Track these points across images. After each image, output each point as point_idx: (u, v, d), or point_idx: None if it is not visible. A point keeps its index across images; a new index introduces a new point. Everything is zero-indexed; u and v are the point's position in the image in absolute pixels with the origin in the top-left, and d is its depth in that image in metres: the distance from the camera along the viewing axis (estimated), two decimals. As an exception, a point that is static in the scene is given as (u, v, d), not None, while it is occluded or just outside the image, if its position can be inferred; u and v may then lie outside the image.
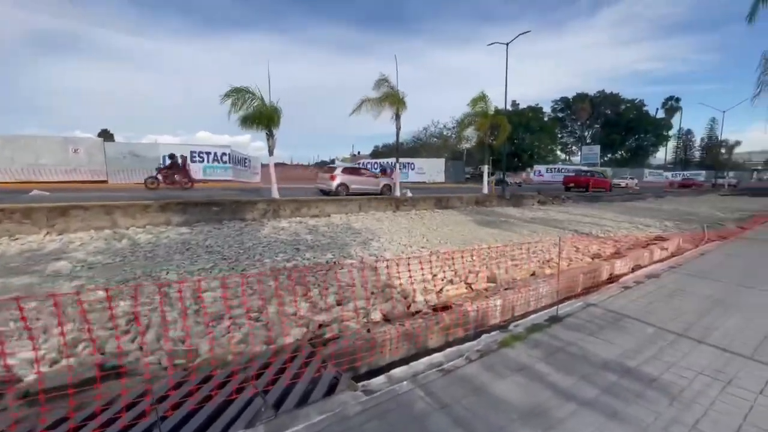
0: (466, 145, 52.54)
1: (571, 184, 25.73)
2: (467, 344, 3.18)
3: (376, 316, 4.25)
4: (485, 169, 17.82)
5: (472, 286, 5.62)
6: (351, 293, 4.69)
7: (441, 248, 7.67)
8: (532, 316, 3.90)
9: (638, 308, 3.86)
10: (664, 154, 70.17)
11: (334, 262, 6.30)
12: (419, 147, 46.95)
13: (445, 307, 4.40)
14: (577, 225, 11.75)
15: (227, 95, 10.44)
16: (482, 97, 16.54)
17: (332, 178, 14.53)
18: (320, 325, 4.00)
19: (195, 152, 18.71)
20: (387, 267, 6.15)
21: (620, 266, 6.28)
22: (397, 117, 13.60)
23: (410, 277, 5.64)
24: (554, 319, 3.59)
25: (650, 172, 55.16)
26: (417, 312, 4.55)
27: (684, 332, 3.25)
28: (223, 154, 19.56)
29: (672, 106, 69.16)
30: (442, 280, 5.72)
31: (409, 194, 14.01)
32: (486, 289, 5.55)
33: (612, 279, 5.94)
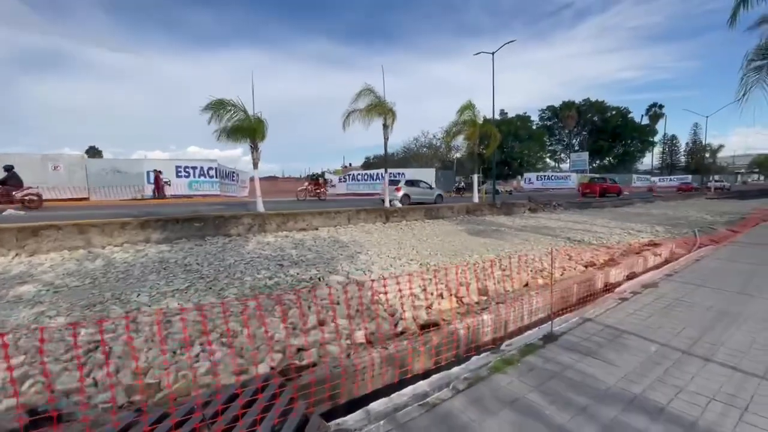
0: (457, 155, 52.89)
1: (588, 191, 28.56)
2: (456, 369, 2.91)
3: (359, 337, 3.96)
4: (475, 178, 17.70)
5: (463, 300, 5.37)
6: (332, 313, 4.39)
7: (431, 260, 7.41)
8: (526, 333, 3.65)
9: (638, 322, 3.63)
10: (650, 159, 71.35)
11: (319, 278, 6.01)
12: (409, 157, 46.99)
13: (434, 324, 4.14)
14: (569, 232, 11.60)
15: (209, 107, 10.15)
16: (469, 106, 16.50)
17: (398, 189, 16.56)
18: (298, 350, 3.70)
19: (180, 167, 18.31)
20: (374, 282, 5.87)
21: (615, 274, 6.08)
22: (386, 127, 13.43)
23: (399, 291, 5.37)
24: (549, 338, 3.34)
25: (638, 177, 55.88)
26: (403, 332, 4.27)
27: (689, 349, 3.02)
28: (210, 168, 19.20)
29: (656, 112, 70.50)
30: (432, 294, 5.45)
31: (398, 204, 13.80)
32: (478, 303, 5.31)
33: (607, 288, 5.74)
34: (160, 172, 17.58)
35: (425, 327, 4.30)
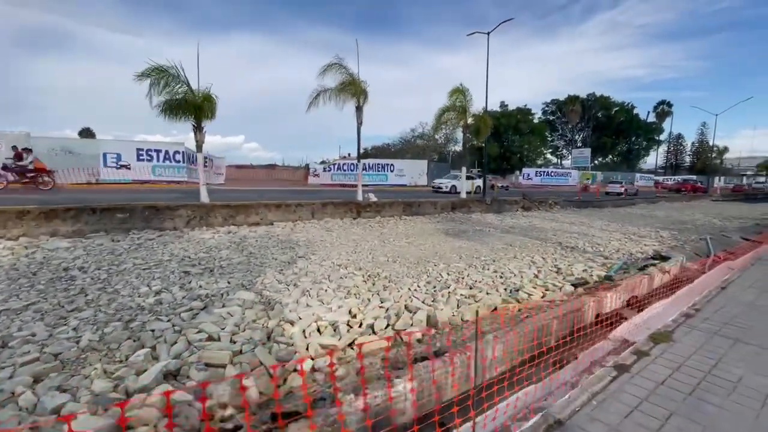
0: (455, 147, 51.18)
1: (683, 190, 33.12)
2: None
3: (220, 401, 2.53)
4: (463, 171, 16.18)
5: (402, 336, 3.93)
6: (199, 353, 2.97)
7: (384, 270, 5.99)
8: None
9: None
10: (655, 158, 69.48)
11: (222, 294, 4.58)
12: (406, 149, 45.32)
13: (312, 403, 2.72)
14: (563, 236, 10.16)
15: (144, 75, 8.62)
16: (460, 90, 14.93)
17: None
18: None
19: (142, 150, 16.78)
20: (295, 302, 4.46)
21: (611, 301, 4.64)
22: (359, 109, 11.89)
23: (317, 320, 3.96)
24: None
25: (641, 176, 54.18)
26: (290, 392, 2.84)
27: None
28: (176, 152, 17.64)
29: (663, 110, 68.38)
30: (360, 325, 4.03)
31: (373, 198, 12.35)
32: (420, 341, 3.87)
33: (600, 320, 4.31)
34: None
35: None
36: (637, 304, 4.93)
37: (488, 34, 16.10)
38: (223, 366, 3.04)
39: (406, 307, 4.54)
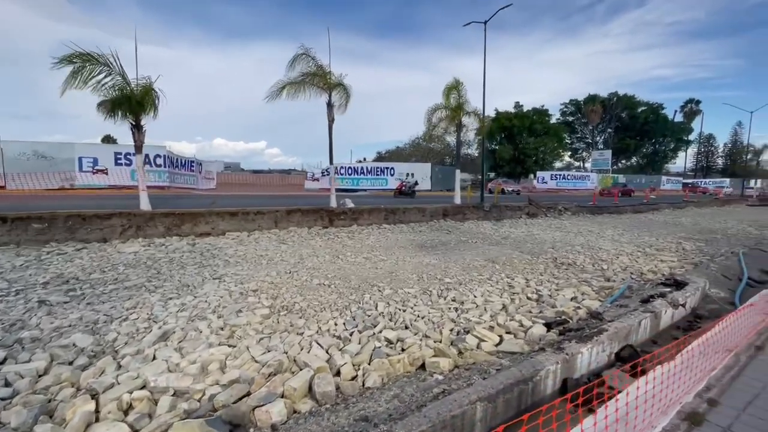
0: (468, 150, 49.41)
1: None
2: None
3: None
4: (457, 174, 14.68)
5: (258, 420, 2.62)
6: None
7: (309, 297, 4.71)
8: None
9: None
10: (684, 160, 65.48)
11: (53, 337, 3.41)
12: (415, 152, 43.91)
13: None
14: (562, 249, 8.61)
15: (64, 61, 7.45)
16: (456, 86, 13.50)
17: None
18: None
19: (120, 154, 16.10)
20: (137, 351, 3.25)
21: (589, 356, 3.20)
22: (330, 106, 10.66)
23: (140, 388, 2.72)
24: None
25: (668, 179, 50.90)
26: None
27: None
28: (157, 155, 16.86)
29: (692, 109, 64.44)
30: (203, 395, 2.75)
31: (350, 205, 11.10)
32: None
33: (566, 390, 2.91)
34: None
35: None
36: (632, 360, 3.46)
37: (485, 23, 14.64)
38: None
39: (294, 360, 3.25)
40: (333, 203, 10.90)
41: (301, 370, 3.09)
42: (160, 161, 16.93)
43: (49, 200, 12.20)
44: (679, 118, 62.64)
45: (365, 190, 23.22)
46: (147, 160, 16.68)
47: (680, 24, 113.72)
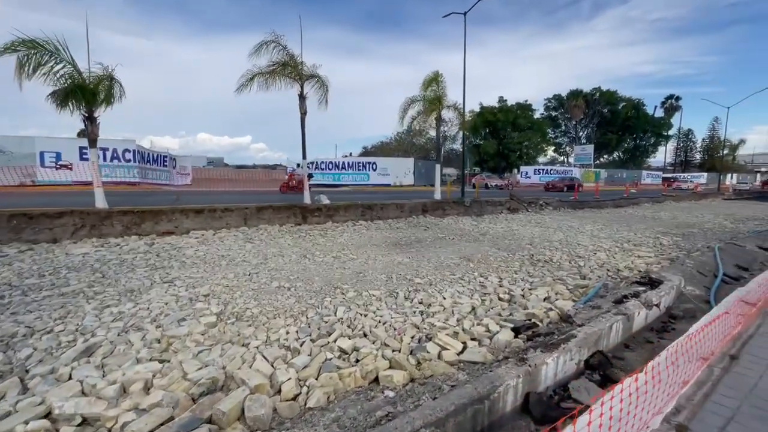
0: (453, 145, 49.26)
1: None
2: None
3: None
4: (437, 169, 14.42)
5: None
6: None
7: (264, 301, 4.37)
8: None
9: None
10: (663, 155, 66.76)
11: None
12: (398, 147, 43.55)
13: None
14: (540, 245, 8.43)
15: (8, 49, 6.80)
16: (435, 78, 13.19)
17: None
18: None
19: (86, 147, 15.29)
20: (51, 372, 2.86)
21: (555, 367, 2.95)
22: (302, 98, 10.22)
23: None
24: None
25: (648, 173, 51.82)
26: None
27: None
28: (126, 150, 16.10)
29: (672, 104, 65.67)
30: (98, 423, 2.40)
31: (325, 201, 10.72)
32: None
33: (528, 406, 2.65)
34: None
35: None
36: (602, 368, 3.23)
37: (465, 14, 14.33)
38: None
39: (233, 377, 2.91)
40: (307, 199, 10.50)
41: (238, 387, 2.76)
42: (129, 156, 16.16)
43: (5, 198, 11.48)
44: (659, 113, 63.81)
45: (347, 185, 22.73)
46: (115, 154, 15.98)
47: (663, 21, 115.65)
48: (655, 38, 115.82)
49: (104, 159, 15.58)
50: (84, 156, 15.19)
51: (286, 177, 19.39)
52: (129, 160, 16.21)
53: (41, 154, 14.51)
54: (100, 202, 7.71)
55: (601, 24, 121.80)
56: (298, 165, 21.95)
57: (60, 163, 14.84)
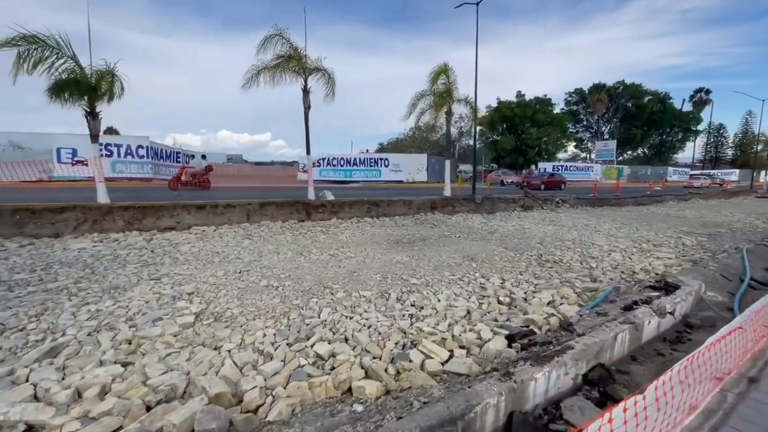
0: (469, 141, 48.43)
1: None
2: None
3: None
4: (447, 165, 14.03)
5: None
6: None
7: (247, 301, 4.20)
8: None
9: None
10: (692, 151, 63.76)
11: None
12: (412, 144, 43.04)
13: None
14: (551, 245, 8.01)
15: (8, 44, 6.81)
16: (444, 70, 12.79)
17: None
18: None
19: (101, 144, 15.52)
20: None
21: (546, 383, 2.64)
22: (305, 92, 10.04)
23: None
24: None
25: (675, 170, 49.65)
26: None
27: None
28: (139, 146, 16.35)
29: (701, 98, 62.60)
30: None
31: (330, 197, 10.54)
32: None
33: (511, 428, 2.36)
34: None
35: None
36: (603, 384, 2.89)
37: (477, 4, 13.83)
38: None
39: (195, 383, 2.72)
40: (311, 195, 10.34)
41: (199, 396, 2.57)
42: (142, 152, 16.42)
43: (24, 193, 11.78)
44: (687, 107, 60.94)
45: (358, 181, 22.58)
46: (129, 150, 16.24)
47: (694, 11, 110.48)
48: (684, 29, 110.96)
49: (118, 155, 15.91)
50: (101, 152, 15.47)
51: (177, 170, 15.05)
52: (142, 156, 16.48)
53: (58, 150, 14.90)
54: (102, 197, 7.75)
55: (626, 15, 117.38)
56: (204, 156, 18.94)
57: (76, 159, 15.20)
